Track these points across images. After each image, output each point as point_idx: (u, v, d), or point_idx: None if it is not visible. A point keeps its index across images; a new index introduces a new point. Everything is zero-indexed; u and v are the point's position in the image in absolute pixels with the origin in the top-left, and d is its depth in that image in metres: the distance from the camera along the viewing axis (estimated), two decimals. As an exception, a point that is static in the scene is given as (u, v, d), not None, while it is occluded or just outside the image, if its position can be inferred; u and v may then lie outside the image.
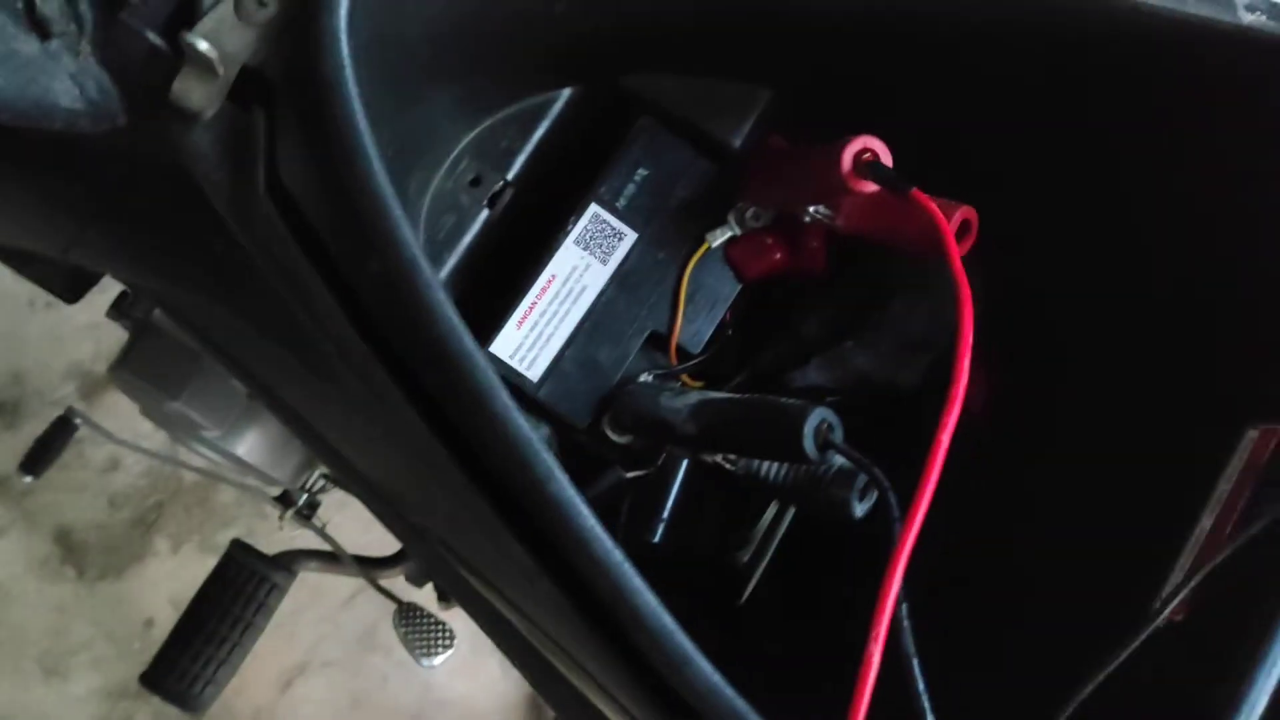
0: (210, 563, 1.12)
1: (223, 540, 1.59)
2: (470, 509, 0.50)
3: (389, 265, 0.46)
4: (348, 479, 0.80)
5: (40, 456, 1.24)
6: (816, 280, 0.71)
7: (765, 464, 0.65)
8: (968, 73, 0.63)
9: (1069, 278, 0.67)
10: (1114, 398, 0.63)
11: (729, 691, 0.46)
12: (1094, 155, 0.63)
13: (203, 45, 0.47)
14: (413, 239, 0.46)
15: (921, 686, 0.47)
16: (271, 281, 0.52)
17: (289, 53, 0.49)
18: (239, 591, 1.08)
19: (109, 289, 1.03)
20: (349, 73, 0.47)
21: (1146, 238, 0.63)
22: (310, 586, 1.32)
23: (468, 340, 0.46)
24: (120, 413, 1.24)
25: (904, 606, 0.47)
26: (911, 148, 0.59)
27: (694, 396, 0.63)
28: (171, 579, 1.55)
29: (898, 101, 0.63)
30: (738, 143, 0.68)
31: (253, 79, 0.50)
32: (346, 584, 1.54)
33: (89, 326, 1.58)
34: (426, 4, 0.56)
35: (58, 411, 1.42)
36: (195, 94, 0.50)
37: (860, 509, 0.61)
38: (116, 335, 1.04)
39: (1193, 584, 0.51)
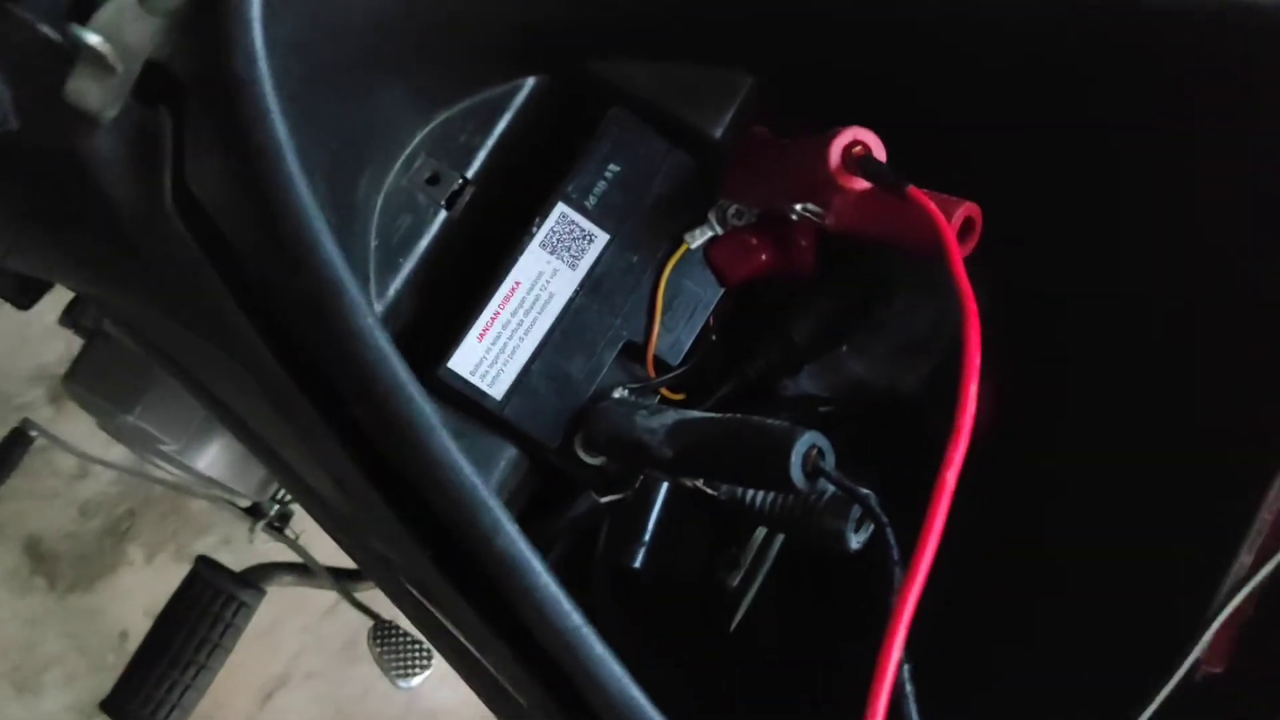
0: (186, 572, 1.07)
1: (198, 548, 1.54)
2: (414, 560, 0.45)
3: (309, 287, 0.40)
4: (306, 500, 0.75)
5: (-5, 470, 1.18)
6: (807, 281, 0.66)
7: (751, 490, 0.60)
8: (966, 61, 0.58)
9: (1079, 282, 0.62)
10: (1137, 418, 0.58)
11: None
12: (1099, 149, 0.58)
13: (92, 39, 0.41)
14: (337, 256, 0.41)
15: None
16: (185, 306, 0.46)
17: (198, 46, 0.44)
18: (204, 611, 1.02)
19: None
20: (263, 67, 0.41)
21: (1161, 238, 0.58)
22: (290, 596, 1.27)
23: (401, 372, 0.40)
24: (88, 420, 1.18)
25: (906, 669, 0.42)
26: (905, 139, 0.53)
27: (671, 416, 0.58)
28: (146, 589, 1.50)
29: (890, 89, 0.58)
30: (718, 134, 0.63)
31: (159, 75, 0.44)
32: (328, 593, 1.49)
33: (58, 327, 1.52)
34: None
35: (25, 416, 1.37)
36: (92, 93, 0.44)
37: (856, 541, 0.56)
38: (86, 338, 0.99)
39: (1221, 618, 0.45)
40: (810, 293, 0.67)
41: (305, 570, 1.11)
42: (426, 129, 0.64)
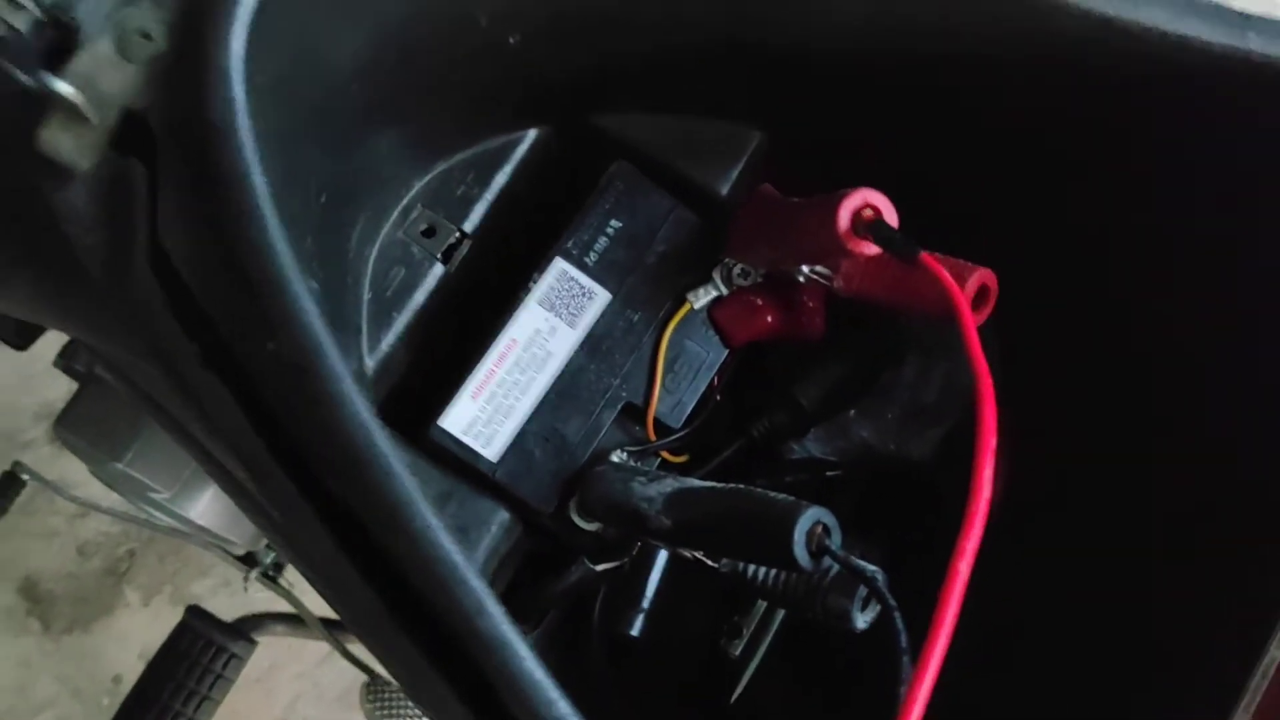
0: (182, 615, 1.05)
1: (197, 590, 1.51)
2: (392, 639, 0.42)
3: (286, 353, 0.38)
4: (296, 558, 0.72)
5: (-15, 512, 1.16)
6: (815, 344, 0.63)
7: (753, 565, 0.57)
8: (967, 115, 0.56)
9: (1091, 341, 0.59)
10: (1156, 485, 0.55)
11: None
12: (1114, 214, 0.56)
13: (63, 87, 0.39)
14: (317, 318, 0.39)
15: None
16: (156, 369, 0.44)
17: (176, 94, 0.42)
18: (194, 664, 1.00)
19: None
20: (242, 118, 0.39)
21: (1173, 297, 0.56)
22: (287, 641, 1.25)
23: (380, 443, 0.38)
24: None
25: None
26: (917, 198, 0.51)
27: (669, 484, 0.55)
28: (142, 632, 1.47)
29: (903, 148, 0.56)
30: (724, 191, 0.61)
31: (136, 125, 0.42)
32: (325, 640, 1.46)
33: (62, 365, 1.50)
34: (349, 35, 0.48)
35: (29, 455, 1.35)
36: (66, 145, 0.41)
37: (862, 620, 0.53)
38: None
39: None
40: (818, 356, 0.65)
41: (299, 621, 1.08)
42: (423, 180, 0.62)
